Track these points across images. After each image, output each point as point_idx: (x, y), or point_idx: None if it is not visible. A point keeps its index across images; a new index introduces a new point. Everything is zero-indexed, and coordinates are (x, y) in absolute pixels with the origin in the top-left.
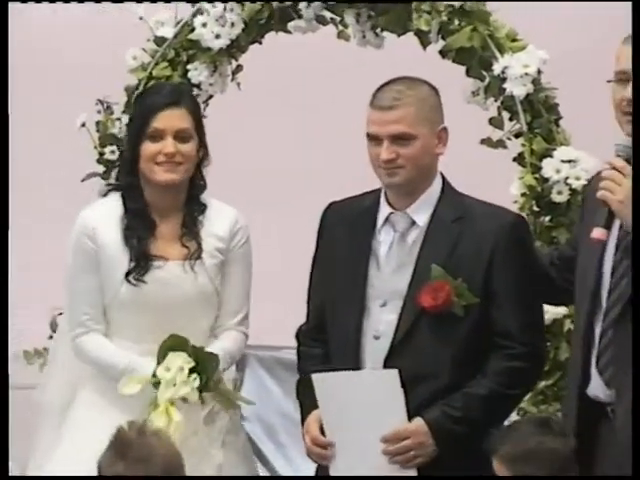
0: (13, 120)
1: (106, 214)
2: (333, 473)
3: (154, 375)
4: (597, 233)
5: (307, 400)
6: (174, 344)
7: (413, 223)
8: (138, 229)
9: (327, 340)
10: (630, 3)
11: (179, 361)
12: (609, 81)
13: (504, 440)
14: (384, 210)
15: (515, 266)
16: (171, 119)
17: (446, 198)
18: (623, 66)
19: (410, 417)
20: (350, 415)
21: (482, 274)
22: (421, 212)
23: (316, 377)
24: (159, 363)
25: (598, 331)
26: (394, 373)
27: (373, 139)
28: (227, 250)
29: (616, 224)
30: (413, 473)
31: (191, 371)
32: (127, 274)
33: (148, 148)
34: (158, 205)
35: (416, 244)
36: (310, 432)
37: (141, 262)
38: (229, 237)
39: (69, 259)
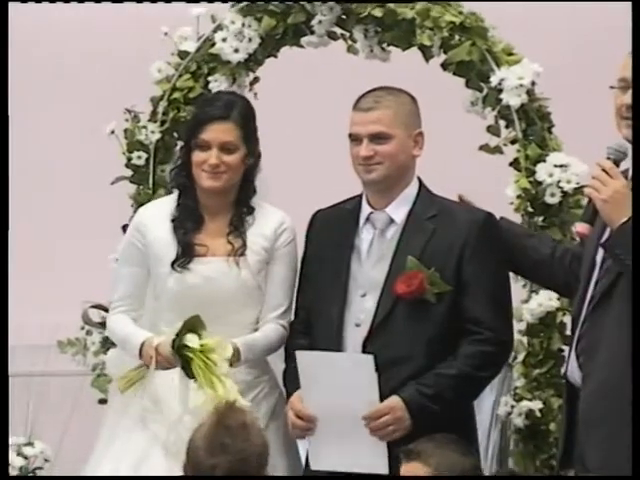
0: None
1: (158, 212)
2: (311, 446)
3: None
4: (580, 227)
5: (292, 386)
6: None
7: (391, 221)
8: (186, 222)
9: (311, 333)
10: (630, 3)
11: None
12: (612, 87)
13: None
14: (365, 210)
15: (484, 259)
16: (217, 132)
17: (422, 198)
18: (625, 74)
19: (385, 397)
20: (328, 392)
21: (454, 265)
22: (399, 210)
23: (300, 354)
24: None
25: (581, 319)
26: (370, 358)
27: (354, 139)
28: (272, 249)
29: None
30: (383, 448)
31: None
32: (173, 263)
33: (197, 156)
34: (207, 205)
35: (394, 239)
36: (294, 406)
37: (186, 252)
38: (274, 237)
39: (120, 248)
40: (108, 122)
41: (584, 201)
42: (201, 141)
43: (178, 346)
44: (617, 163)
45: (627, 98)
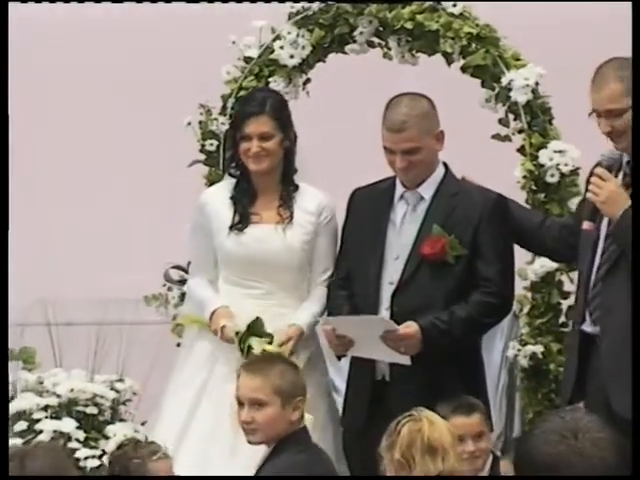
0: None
1: (217, 193)
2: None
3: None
4: (586, 225)
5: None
6: (255, 330)
7: (422, 198)
8: (243, 198)
9: (350, 287)
10: (630, 3)
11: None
12: (590, 114)
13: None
14: (399, 189)
15: (495, 231)
16: (255, 125)
17: (447, 180)
18: (594, 106)
19: None
20: (359, 336)
21: (470, 234)
22: (428, 190)
23: (328, 320)
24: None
25: (592, 283)
26: (382, 318)
27: (389, 151)
28: (316, 224)
29: None
30: (407, 359)
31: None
32: (231, 227)
33: (242, 147)
34: (258, 183)
35: (423, 212)
36: (328, 335)
37: (243, 219)
38: (317, 213)
39: (189, 225)
40: (185, 115)
41: (579, 180)
42: (244, 134)
43: (241, 341)
44: (609, 168)
45: (602, 127)
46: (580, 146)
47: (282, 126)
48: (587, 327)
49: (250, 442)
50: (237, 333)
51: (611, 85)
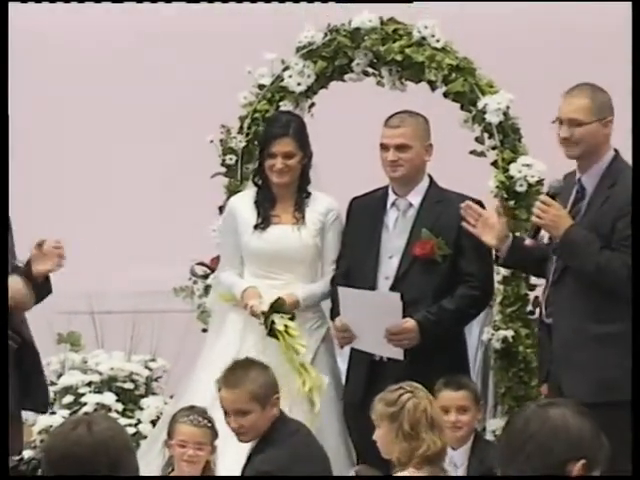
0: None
1: (243, 198)
2: (352, 344)
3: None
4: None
5: (334, 314)
6: (277, 308)
7: (410, 205)
8: (265, 203)
9: (349, 282)
10: (630, 3)
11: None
12: (553, 122)
13: None
14: (391, 197)
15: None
16: (280, 145)
17: (432, 189)
18: (560, 114)
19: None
20: (362, 318)
21: (454, 236)
22: (416, 197)
23: (341, 290)
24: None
25: (548, 285)
26: (397, 295)
27: (384, 147)
28: (325, 222)
29: None
30: (400, 354)
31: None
32: (255, 226)
33: (268, 162)
34: (278, 192)
35: (412, 217)
36: (336, 326)
37: (264, 220)
38: (325, 213)
39: (219, 226)
40: (208, 134)
41: (543, 189)
42: (270, 152)
43: (266, 318)
44: (554, 196)
45: (561, 132)
46: (545, 160)
47: (302, 146)
48: (545, 319)
49: (242, 442)
50: (263, 313)
51: (582, 99)
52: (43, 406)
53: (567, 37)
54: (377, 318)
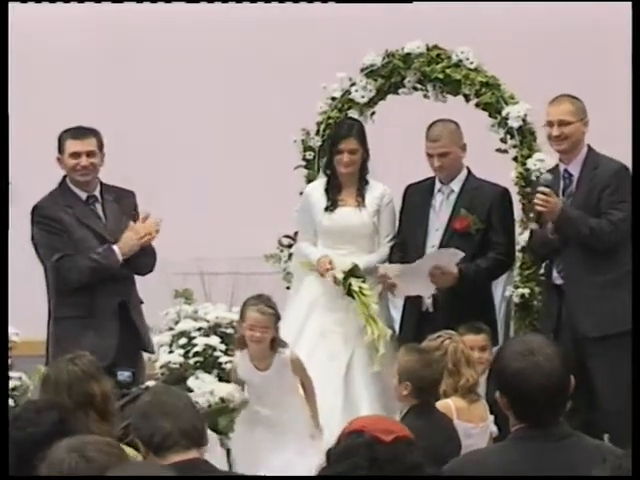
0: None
1: (315, 186)
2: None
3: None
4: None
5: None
6: (353, 273)
7: (452, 191)
8: (333, 189)
9: (404, 250)
10: (630, 3)
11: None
12: (544, 125)
13: None
14: (437, 185)
15: (503, 212)
16: (346, 144)
17: (469, 178)
18: (549, 117)
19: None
20: (414, 273)
21: (486, 214)
22: (456, 185)
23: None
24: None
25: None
26: (457, 251)
27: (429, 155)
28: (380, 204)
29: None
30: (432, 290)
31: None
32: (326, 208)
33: (337, 157)
34: (343, 180)
35: (453, 200)
36: (380, 273)
37: (334, 203)
38: (380, 197)
39: (298, 207)
40: (293, 135)
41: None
42: (338, 149)
43: (344, 280)
44: (548, 187)
45: (552, 131)
46: (554, 156)
47: (362, 144)
48: (556, 280)
49: None
50: (342, 277)
51: (566, 105)
52: (150, 347)
53: (567, 37)
54: (425, 271)
